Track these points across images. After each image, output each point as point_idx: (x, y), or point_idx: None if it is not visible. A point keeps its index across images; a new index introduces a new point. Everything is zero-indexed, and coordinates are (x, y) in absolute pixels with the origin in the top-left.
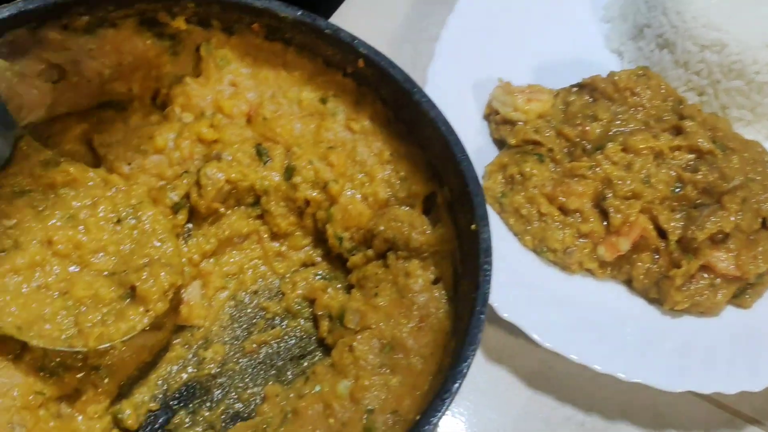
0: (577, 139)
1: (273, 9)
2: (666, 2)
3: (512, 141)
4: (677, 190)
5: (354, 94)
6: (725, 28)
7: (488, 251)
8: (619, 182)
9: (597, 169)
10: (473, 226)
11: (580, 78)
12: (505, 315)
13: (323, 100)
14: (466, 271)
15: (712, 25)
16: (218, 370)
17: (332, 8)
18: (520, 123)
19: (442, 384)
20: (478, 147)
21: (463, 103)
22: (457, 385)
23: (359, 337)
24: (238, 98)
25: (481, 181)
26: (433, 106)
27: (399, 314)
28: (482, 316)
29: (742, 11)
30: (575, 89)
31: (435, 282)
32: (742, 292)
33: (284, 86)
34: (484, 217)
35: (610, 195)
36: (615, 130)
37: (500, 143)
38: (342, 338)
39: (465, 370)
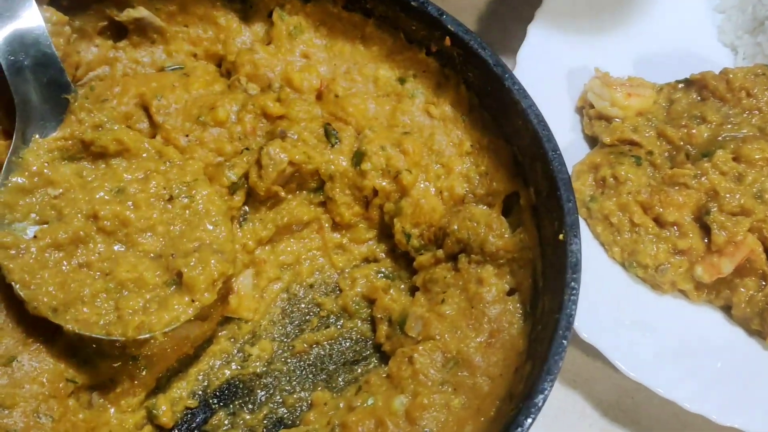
0: (681, 143)
1: None
2: None
3: (607, 139)
4: None
5: (436, 75)
6: None
7: (577, 266)
8: (727, 195)
9: (702, 178)
10: (561, 236)
11: (686, 73)
12: (585, 336)
13: (402, 80)
14: (548, 285)
15: None
16: (264, 369)
17: None
18: (617, 120)
19: (513, 416)
20: (567, 143)
21: (555, 93)
22: (530, 420)
23: (421, 347)
24: (310, 71)
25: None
26: (526, 95)
27: (467, 326)
28: (565, 341)
29: None
30: (682, 86)
31: (510, 293)
32: None
33: (360, 62)
34: (575, 227)
35: (714, 209)
36: (725, 135)
37: (592, 141)
38: (401, 347)
39: (541, 404)
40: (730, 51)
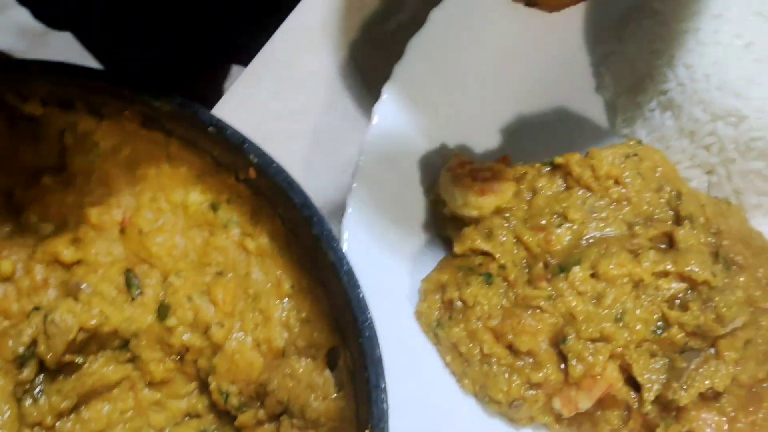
0: (539, 249)
1: (144, 97)
2: (674, 50)
3: (457, 249)
4: (659, 331)
5: (250, 201)
6: (746, 94)
7: None
8: (585, 321)
9: (558, 300)
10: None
11: (561, 139)
12: None
13: (214, 207)
14: None
15: (729, 89)
16: None
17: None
18: (472, 220)
19: None
20: (421, 245)
21: (407, 181)
22: None
23: None
24: (110, 203)
25: (417, 296)
26: (335, 246)
27: None
28: None
29: None
30: (547, 169)
31: None
32: None
33: (168, 186)
34: (381, 420)
35: (572, 336)
36: (589, 236)
37: (450, 242)
38: None
39: None
40: (608, 109)
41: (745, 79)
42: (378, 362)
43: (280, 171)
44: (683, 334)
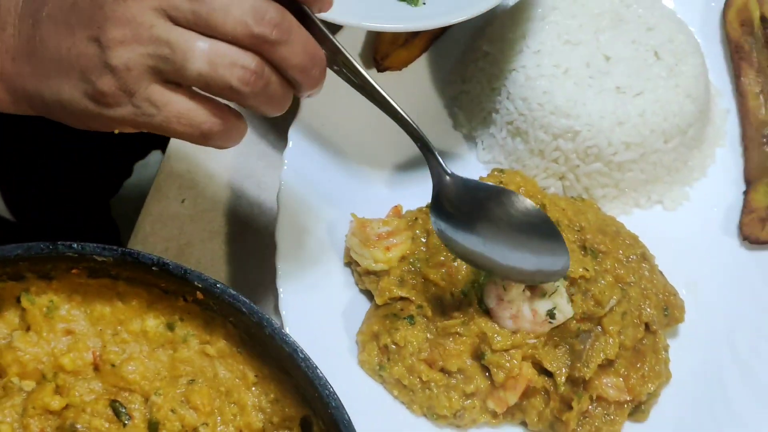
0: (444, 283)
1: (88, 254)
2: (509, 87)
3: (378, 301)
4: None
5: (202, 316)
6: (574, 113)
7: None
8: (495, 336)
9: (470, 323)
10: None
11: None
12: None
13: (170, 327)
14: None
15: (560, 112)
16: None
17: None
18: (384, 273)
19: None
20: (346, 303)
21: (321, 252)
22: None
23: None
24: (78, 347)
25: (356, 347)
26: (288, 340)
27: None
28: None
29: (587, 92)
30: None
31: None
32: (636, 410)
33: (124, 319)
34: None
35: (488, 351)
36: None
37: (370, 294)
38: None
39: None
40: (470, 142)
41: (572, 101)
42: (349, 425)
43: (224, 290)
44: (575, 321)
